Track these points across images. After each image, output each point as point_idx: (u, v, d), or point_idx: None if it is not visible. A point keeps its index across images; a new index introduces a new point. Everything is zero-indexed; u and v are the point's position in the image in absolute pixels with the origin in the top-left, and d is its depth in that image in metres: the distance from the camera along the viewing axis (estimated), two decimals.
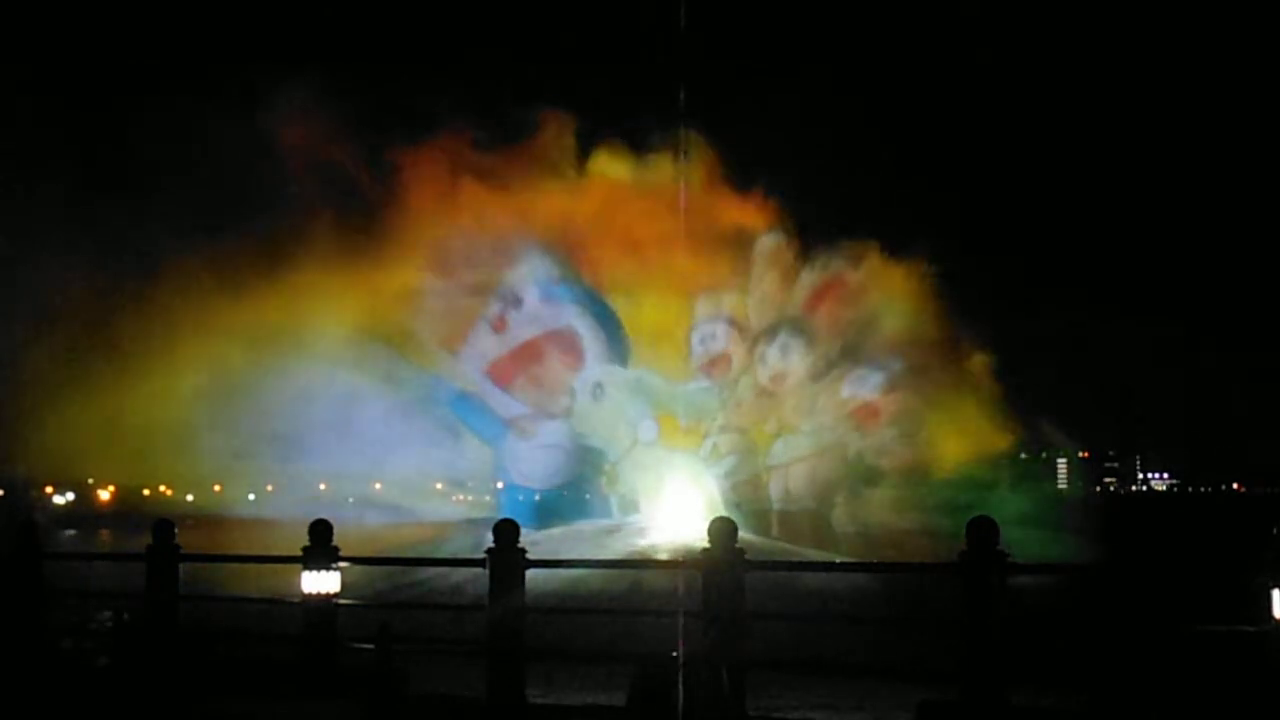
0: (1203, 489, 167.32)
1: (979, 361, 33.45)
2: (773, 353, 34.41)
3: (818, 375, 34.26)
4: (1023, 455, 36.78)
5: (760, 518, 33.39)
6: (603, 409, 33.91)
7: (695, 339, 34.43)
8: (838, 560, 25.66)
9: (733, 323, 34.66)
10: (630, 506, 34.41)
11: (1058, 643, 9.26)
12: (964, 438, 32.75)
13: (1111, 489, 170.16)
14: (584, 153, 34.19)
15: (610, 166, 34.26)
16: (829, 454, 33.99)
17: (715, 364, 34.65)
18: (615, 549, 31.06)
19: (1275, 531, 7.80)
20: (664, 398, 34.14)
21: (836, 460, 33.97)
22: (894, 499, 32.81)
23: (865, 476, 33.63)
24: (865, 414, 33.91)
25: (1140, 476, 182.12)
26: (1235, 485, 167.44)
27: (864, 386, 33.91)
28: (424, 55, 32.19)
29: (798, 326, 34.46)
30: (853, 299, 34.27)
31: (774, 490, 34.24)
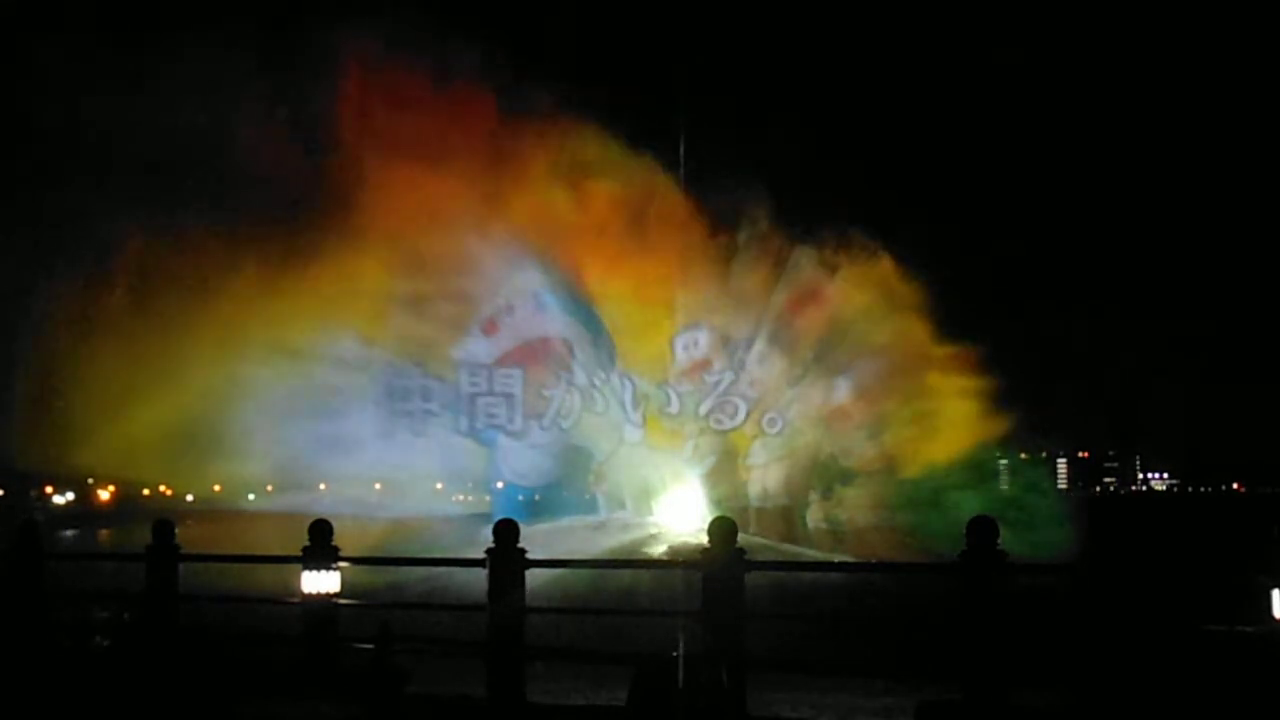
0: (1203, 489, 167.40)
1: (958, 363, 34.13)
2: (751, 358, 35.46)
3: (794, 380, 35.31)
4: (1022, 455, 37.35)
5: (738, 515, 34.19)
6: (591, 411, 34.52)
7: (678, 345, 35.35)
8: (837, 560, 25.90)
9: (713, 329, 35.58)
10: (616, 504, 35.25)
11: (1057, 642, 9.26)
12: (935, 439, 33.55)
13: (1111, 489, 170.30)
14: (577, 160, 34.64)
15: (600, 177, 34.85)
16: (802, 454, 35.03)
17: (697, 369, 35.52)
18: (602, 543, 31.73)
19: (1275, 531, 7.80)
20: (648, 400, 34.99)
21: (809, 460, 35.03)
22: (862, 496, 33.92)
23: (838, 475, 34.77)
24: (837, 416, 34.96)
25: (1140, 476, 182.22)
26: (1235, 485, 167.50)
27: (837, 391, 34.96)
28: (420, 55, 32.17)
29: (776, 333, 35.45)
30: (833, 305, 35.08)
31: (751, 489, 35.23)
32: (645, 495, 35.09)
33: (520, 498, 33.76)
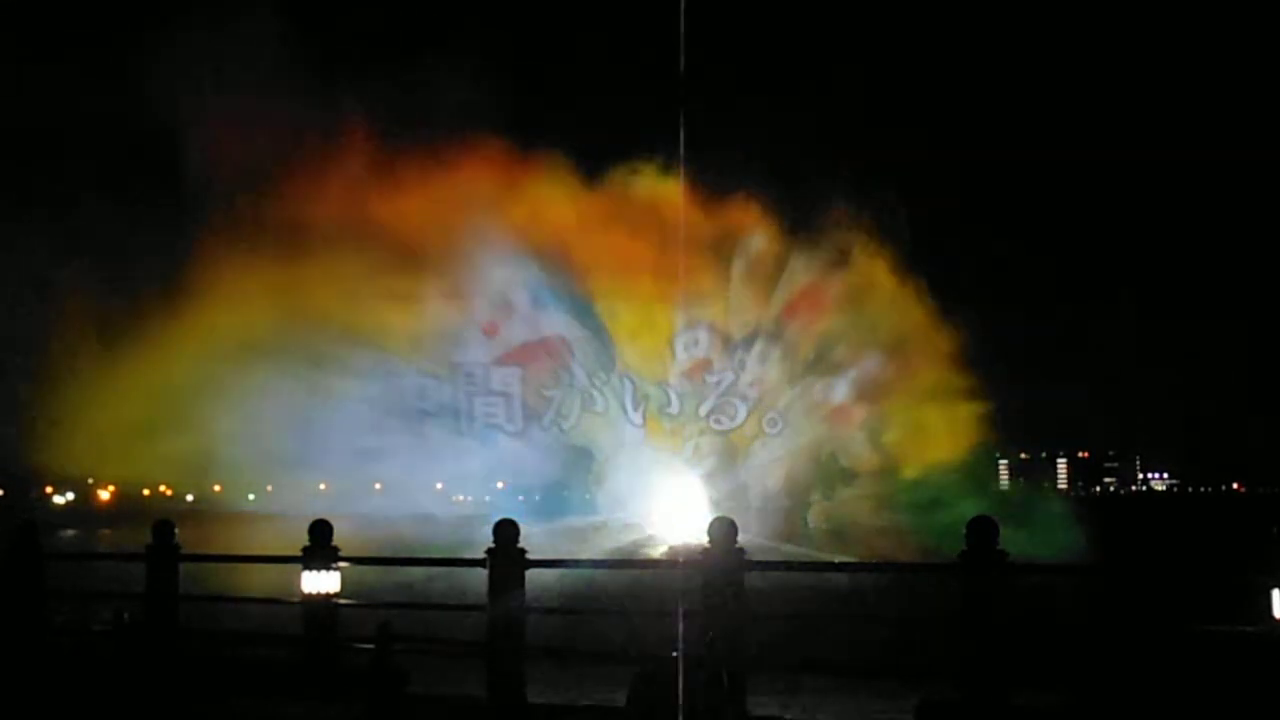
0: (1203, 489, 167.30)
1: (959, 363, 34.21)
2: (751, 358, 35.44)
3: (794, 380, 35.30)
4: (1022, 455, 37.43)
5: (738, 516, 34.11)
6: (591, 411, 34.50)
7: (679, 345, 35.32)
8: (837, 560, 25.88)
9: (714, 329, 35.55)
10: (616, 504, 35.18)
11: (1058, 642, 9.26)
12: (935, 439, 33.59)
13: (1111, 489, 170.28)
14: (576, 161, 34.75)
15: (600, 176, 34.97)
16: (803, 455, 35.01)
17: (697, 369, 35.49)
18: (603, 544, 31.70)
19: (1275, 531, 7.80)
20: (649, 400, 34.95)
21: (810, 461, 35.00)
22: (863, 497, 33.93)
23: (839, 475, 34.77)
24: (837, 417, 34.96)
25: (1140, 476, 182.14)
26: (1235, 485, 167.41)
27: (837, 391, 34.97)
28: (416, 55, 32.36)
29: (776, 333, 35.44)
30: (831, 306, 35.14)
31: (752, 489, 35.18)
32: (645, 496, 34.99)
33: (520, 498, 33.77)
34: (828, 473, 35.09)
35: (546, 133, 34.65)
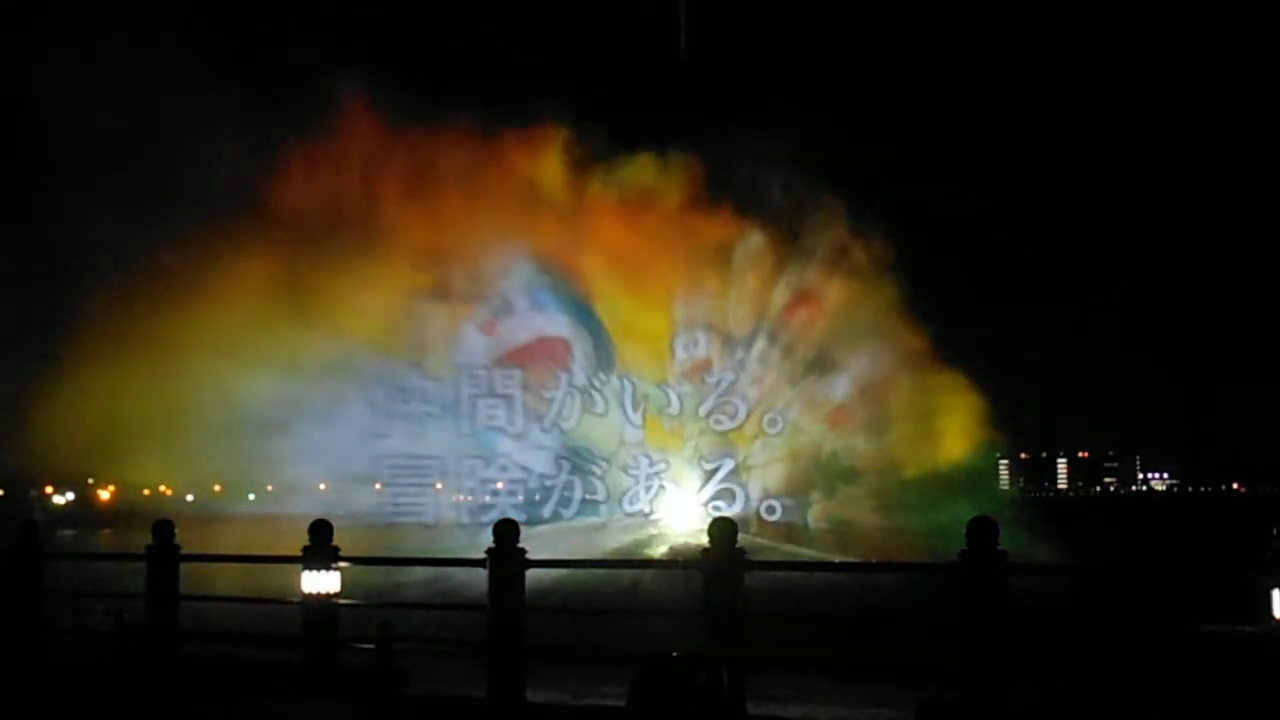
0: (1203, 489, 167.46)
1: (956, 364, 34.33)
2: (751, 358, 35.42)
3: (794, 379, 35.29)
4: (1022, 455, 37.51)
5: (739, 515, 34.20)
6: (591, 412, 34.51)
7: (678, 345, 35.33)
8: (837, 560, 25.95)
9: (714, 329, 35.52)
10: (616, 505, 35.21)
11: (1058, 642, 9.26)
12: (936, 439, 33.69)
13: (1111, 489, 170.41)
14: (575, 159, 34.75)
15: (599, 175, 34.98)
16: (804, 454, 34.98)
17: (697, 369, 35.45)
18: (603, 544, 31.77)
19: (1275, 531, 7.80)
20: (648, 401, 34.96)
21: (811, 461, 34.99)
22: (866, 496, 33.96)
23: (840, 475, 34.76)
24: (839, 416, 34.98)
25: (1140, 476, 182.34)
26: (1235, 485, 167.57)
27: (838, 390, 35.00)
28: (414, 52, 32.40)
29: (776, 333, 35.44)
30: (831, 306, 35.19)
31: (752, 490, 35.14)
32: (645, 496, 35.03)
33: (520, 499, 33.78)
34: (828, 473, 35.05)
35: (546, 129, 34.49)
